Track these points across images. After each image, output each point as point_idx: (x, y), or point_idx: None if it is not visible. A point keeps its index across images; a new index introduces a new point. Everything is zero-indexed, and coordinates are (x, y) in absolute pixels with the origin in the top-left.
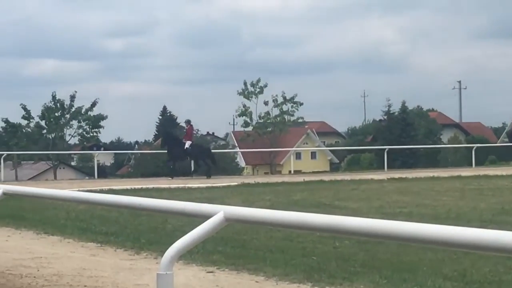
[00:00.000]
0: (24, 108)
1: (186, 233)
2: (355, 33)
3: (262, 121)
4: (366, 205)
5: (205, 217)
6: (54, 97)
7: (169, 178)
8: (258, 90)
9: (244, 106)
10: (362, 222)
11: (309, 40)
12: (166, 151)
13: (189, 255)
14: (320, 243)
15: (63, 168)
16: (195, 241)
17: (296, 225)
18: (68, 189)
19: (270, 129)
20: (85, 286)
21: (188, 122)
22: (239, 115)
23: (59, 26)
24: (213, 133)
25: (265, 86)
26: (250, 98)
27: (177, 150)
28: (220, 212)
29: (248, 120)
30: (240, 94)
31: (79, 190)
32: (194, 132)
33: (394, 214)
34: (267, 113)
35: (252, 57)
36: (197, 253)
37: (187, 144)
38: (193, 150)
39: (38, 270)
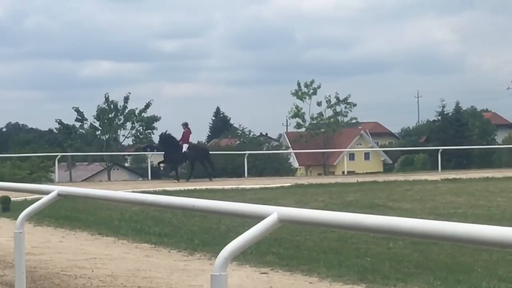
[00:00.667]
0: (78, 110)
1: (240, 234)
2: (409, 33)
3: (315, 122)
4: (420, 206)
5: (259, 218)
6: (107, 98)
7: (175, 181)
8: (311, 91)
9: (297, 107)
10: (416, 223)
11: (362, 41)
12: (163, 153)
13: (243, 256)
14: (373, 244)
15: (117, 169)
16: (249, 242)
17: (350, 226)
18: (122, 190)
19: (323, 130)
20: (139, 287)
21: (185, 125)
22: (292, 116)
23: (114, 28)
24: (266, 134)
25: (319, 87)
26: (303, 99)
27: (175, 153)
28: (274, 213)
29: (301, 121)
30: (293, 95)
31: (133, 191)
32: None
33: (448, 215)
34: (320, 114)
35: (306, 58)
36: (251, 254)
37: (185, 147)
38: (190, 152)
39: (92, 271)
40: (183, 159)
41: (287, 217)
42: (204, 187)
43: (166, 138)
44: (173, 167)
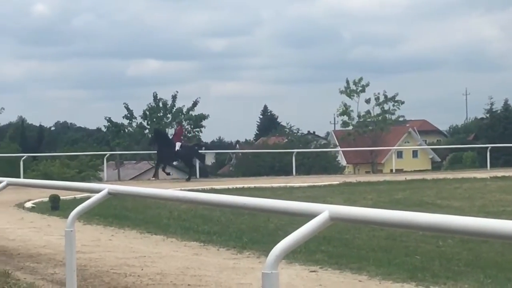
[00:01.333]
0: (127, 108)
1: (289, 232)
2: (457, 31)
3: (362, 120)
4: (469, 204)
5: (309, 216)
6: (155, 96)
7: (153, 179)
8: (360, 88)
9: (345, 105)
10: (466, 221)
11: (409, 38)
12: (156, 151)
13: (292, 255)
14: (423, 242)
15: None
16: (299, 240)
17: (402, 224)
18: (171, 189)
19: (371, 128)
20: (189, 285)
21: (179, 123)
22: (340, 114)
23: (162, 27)
24: (314, 132)
25: (367, 85)
26: (352, 97)
27: (168, 151)
28: (325, 211)
29: (347, 119)
30: (342, 92)
31: (181, 190)
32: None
33: (498, 213)
34: (368, 112)
35: (353, 56)
36: (300, 253)
37: (177, 145)
38: (182, 151)
39: (142, 269)
40: (175, 158)
41: (338, 215)
42: (252, 185)
43: (160, 135)
44: (164, 165)
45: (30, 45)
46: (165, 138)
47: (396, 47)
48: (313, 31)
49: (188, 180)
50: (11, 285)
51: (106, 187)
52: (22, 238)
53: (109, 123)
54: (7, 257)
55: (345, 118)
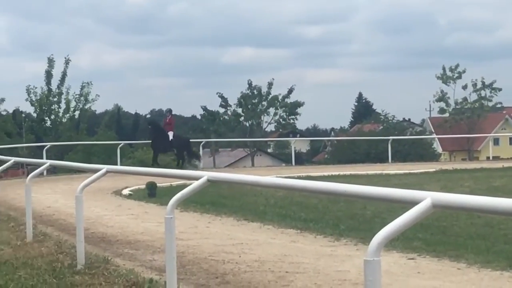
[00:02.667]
0: (222, 96)
1: (386, 219)
2: None
3: (459, 107)
4: None
5: (410, 203)
6: (250, 84)
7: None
8: (456, 75)
9: (442, 91)
10: None
11: (506, 24)
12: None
13: (389, 242)
14: None
15: (260, 155)
16: (401, 228)
17: (504, 212)
18: (269, 176)
19: (467, 114)
20: (287, 272)
21: (169, 111)
22: (437, 100)
23: (257, 14)
24: (409, 119)
25: (464, 71)
26: (448, 83)
27: (163, 141)
28: (427, 198)
29: (445, 106)
30: (438, 78)
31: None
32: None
33: None
34: (465, 98)
35: (449, 42)
36: (397, 240)
37: (171, 135)
38: (176, 141)
39: (239, 256)
40: (170, 148)
41: (440, 202)
42: (348, 172)
43: (155, 126)
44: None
45: (127, 34)
46: (160, 129)
47: (493, 33)
48: (409, 17)
49: (179, 165)
50: (110, 271)
51: (205, 175)
52: (120, 225)
53: (204, 111)
54: (106, 244)
55: (442, 104)
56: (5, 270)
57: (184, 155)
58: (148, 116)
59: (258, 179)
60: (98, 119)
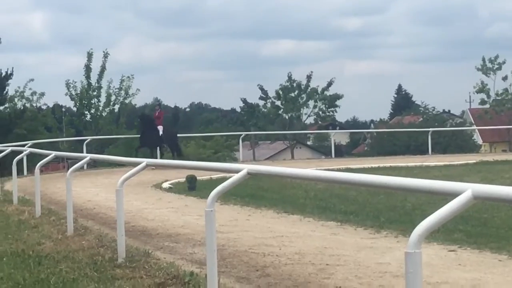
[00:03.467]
0: (261, 88)
1: (426, 211)
2: None
3: (500, 98)
4: None
5: (450, 195)
6: (290, 77)
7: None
8: (496, 66)
9: (482, 83)
10: None
11: None
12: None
13: (430, 234)
14: None
15: (300, 147)
16: (442, 220)
17: None
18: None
19: (508, 106)
20: (327, 264)
21: (158, 104)
22: (477, 92)
23: (296, 6)
24: (449, 111)
25: (504, 62)
26: (488, 75)
27: (153, 135)
28: (467, 190)
29: (486, 98)
30: (478, 70)
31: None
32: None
33: None
34: (505, 89)
35: (489, 33)
36: (438, 232)
37: (160, 129)
38: (166, 135)
39: (280, 249)
40: (159, 143)
41: (481, 194)
42: (388, 164)
43: (146, 120)
44: (150, 150)
45: (167, 27)
46: (151, 123)
47: None
48: (449, 8)
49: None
50: (151, 265)
51: (245, 167)
52: (161, 218)
53: (244, 104)
54: (147, 237)
55: (483, 96)
56: (46, 263)
57: (178, 145)
58: (188, 109)
59: (298, 172)
60: (138, 113)
